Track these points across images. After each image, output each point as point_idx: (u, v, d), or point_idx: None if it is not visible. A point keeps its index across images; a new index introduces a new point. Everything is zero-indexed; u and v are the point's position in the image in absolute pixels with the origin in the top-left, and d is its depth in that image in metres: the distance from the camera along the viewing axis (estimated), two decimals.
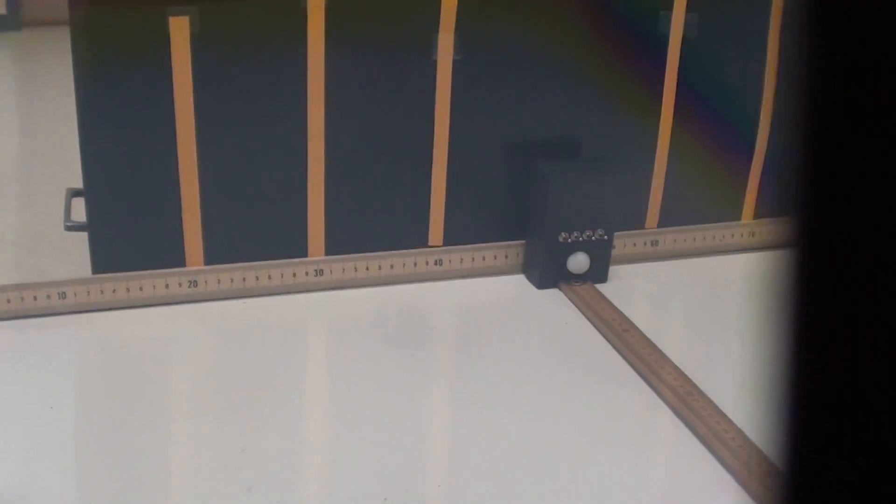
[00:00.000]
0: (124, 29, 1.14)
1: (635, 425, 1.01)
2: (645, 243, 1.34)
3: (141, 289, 1.20)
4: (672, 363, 1.09)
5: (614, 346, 1.14)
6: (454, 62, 1.23)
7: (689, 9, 1.30)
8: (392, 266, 1.25)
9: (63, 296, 1.19)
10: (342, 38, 1.19)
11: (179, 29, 1.15)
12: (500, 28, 1.24)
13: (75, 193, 1.42)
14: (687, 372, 1.07)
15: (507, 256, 1.29)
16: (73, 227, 1.35)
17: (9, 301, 1.17)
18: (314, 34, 1.19)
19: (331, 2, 1.18)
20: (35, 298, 1.18)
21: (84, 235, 1.27)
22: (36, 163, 1.93)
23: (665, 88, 1.32)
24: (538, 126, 1.28)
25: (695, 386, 1.04)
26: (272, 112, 1.20)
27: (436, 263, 1.27)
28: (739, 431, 0.96)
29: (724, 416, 0.99)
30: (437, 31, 1.22)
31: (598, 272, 1.26)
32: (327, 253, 1.25)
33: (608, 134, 1.31)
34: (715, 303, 1.28)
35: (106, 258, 1.21)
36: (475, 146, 1.27)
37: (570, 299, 1.23)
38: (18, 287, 1.18)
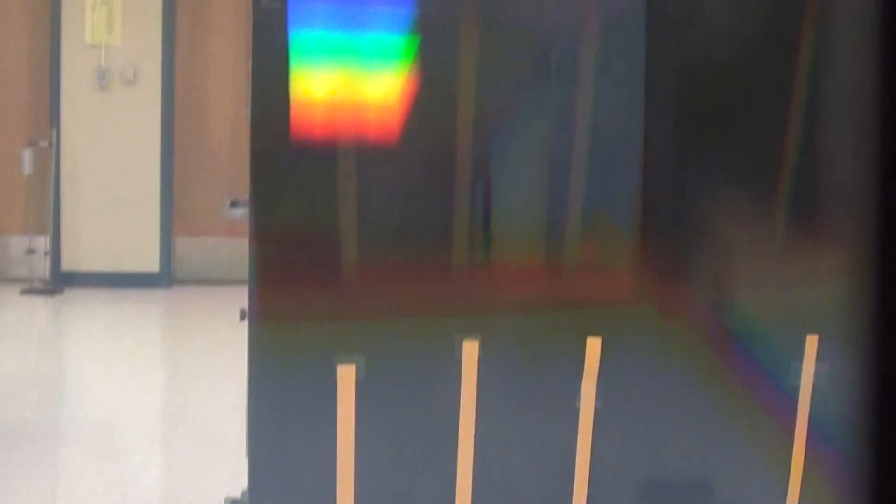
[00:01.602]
0: (297, 367, 1.26)
1: None
2: None
3: None
4: None
5: None
6: (596, 410, 1.31)
7: (819, 359, 1.36)
8: None
9: None
10: (492, 385, 1.29)
11: (346, 375, 1.26)
12: (638, 377, 1.32)
13: (232, 502, 1.52)
14: None
15: None
16: None
17: None
18: (467, 381, 1.29)
19: (483, 352, 1.28)
20: None
21: None
22: (182, 422, 2.05)
23: (796, 434, 1.37)
24: (672, 467, 1.35)
25: None
26: (426, 445, 1.30)
27: None
28: None
29: None
30: (580, 381, 1.31)
31: None
32: None
33: (741, 477, 1.36)
34: None
35: None
36: (613, 487, 1.33)
37: None
38: None
